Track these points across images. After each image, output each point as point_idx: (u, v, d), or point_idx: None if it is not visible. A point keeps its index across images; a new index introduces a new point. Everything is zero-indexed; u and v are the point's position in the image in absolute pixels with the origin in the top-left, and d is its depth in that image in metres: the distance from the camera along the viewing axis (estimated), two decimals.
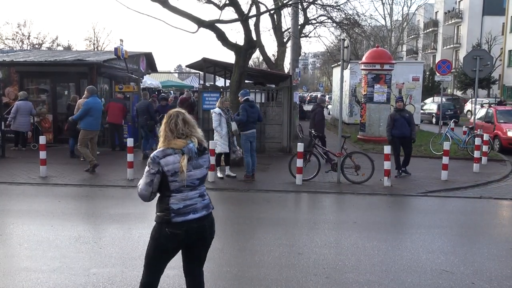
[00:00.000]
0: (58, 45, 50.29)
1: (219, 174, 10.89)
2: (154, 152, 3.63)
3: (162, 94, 25.26)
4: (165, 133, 3.64)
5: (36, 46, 46.20)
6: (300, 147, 10.40)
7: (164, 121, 3.71)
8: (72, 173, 11.07)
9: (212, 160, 10.49)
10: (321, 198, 9.75)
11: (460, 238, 7.10)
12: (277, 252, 6.09)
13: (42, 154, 10.75)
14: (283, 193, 9.80)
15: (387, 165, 10.21)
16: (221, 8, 12.81)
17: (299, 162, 10.36)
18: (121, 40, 15.38)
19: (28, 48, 42.78)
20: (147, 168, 3.61)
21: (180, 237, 3.64)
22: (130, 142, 10.86)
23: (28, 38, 46.83)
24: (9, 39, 45.40)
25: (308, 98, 59.63)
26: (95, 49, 48.01)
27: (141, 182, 3.65)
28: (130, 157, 10.60)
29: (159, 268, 3.87)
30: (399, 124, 11.19)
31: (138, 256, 5.81)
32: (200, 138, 3.72)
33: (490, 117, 17.59)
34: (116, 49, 15.04)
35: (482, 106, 19.78)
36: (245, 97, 10.68)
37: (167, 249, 3.72)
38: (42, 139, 10.98)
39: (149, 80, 26.29)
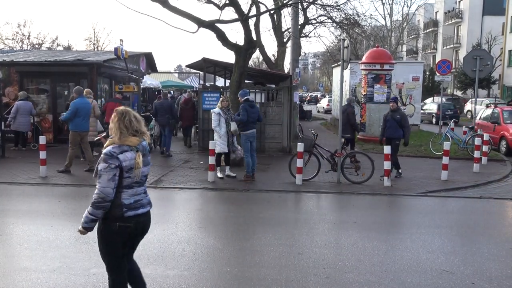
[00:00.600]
0: (58, 45, 50.30)
1: (219, 174, 10.89)
2: (109, 148, 3.71)
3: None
4: (120, 130, 3.74)
5: (36, 46, 46.20)
6: (300, 147, 10.40)
7: (116, 118, 3.79)
8: (72, 173, 11.07)
9: (212, 160, 10.50)
10: (321, 198, 9.76)
11: (460, 238, 7.09)
12: (277, 252, 6.09)
13: (42, 154, 10.75)
14: (283, 193, 9.79)
15: (387, 165, 10.21)
16: (221, 8, 12.81)
17: (299, 162, 10.36)
18: (121, 40, 15.37)
19: (28, 48, 42.79)
20: (104, 164, 3.66)
21: (131, 230, 3.81)
22: None
23: (28, 38, 46.86)
24: (9, 39, 45.46)
25: (308, 98, 59.77)
26: (95, 49, 48.03)
27: (102, 180, 3.66)
28: None
29: (121, 265, 3.97)
30: (388, 125, 11.22)
31: (138, 256, 5.79)
32: (148, 136, 3.91)
33: (496, 117, 17.08)
34: (116, 49, 15.03)
35: (487, 106, 19.24)
36: (245, 97, 10.69)
37: (120, 243, 3.84)
38: (42, 139, 10.98)
39: (149, 80, 26.21)
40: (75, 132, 11.03)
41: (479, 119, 18.09)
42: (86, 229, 3.78)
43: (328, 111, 37.32)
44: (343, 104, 13.10)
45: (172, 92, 32.52)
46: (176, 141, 17.66)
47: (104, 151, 3.73)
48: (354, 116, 13.55)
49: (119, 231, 3.76)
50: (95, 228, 3.87)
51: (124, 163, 3.66)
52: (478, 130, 15.54)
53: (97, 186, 3.68)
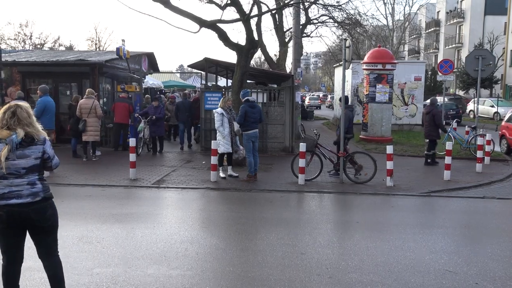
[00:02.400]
0: (60, 45, 50.41)
1: (221, 174, 10.89)
2: None
3: (165, 93, 25.35)
4: None
5: (38, 46, 46.29)
6: (302, 147, 10.40)
7: None
8: (75, 173, 11.08)
9: (215, 160, 10.50)
10: (323, 198, 9.74)
11: (463, 238, 7.08)
12: (280, 252, 6.08)
13: None
14: (285, 193, 9.79)
15: (389, 165, 10.20)
16: (222, 8, 12.81)
17: (302, 162, 10.35)
18: (123, 40, 15.38)
19: (30, 48, 42.84)
20: None
21: (2, 218, 3.88)
22: (132, 142, 10.87)
23: (30, 38, 46.99)
24: (11, 39, 45.58)
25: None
26: (97, 49, 48.07)
27: None
28: (132, 157, 10.61)
29: (5, 252, 4.10)
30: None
31: (141, 256, 5.81)
32: (31, 131, 3.96)
33: None
34: (118, 49, 15.04)
35: None
36: (245, 98, 10.67)
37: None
38: None
39: (151, 80, 26.25)
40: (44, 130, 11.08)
41: (506, 121, 16.43)
42: None
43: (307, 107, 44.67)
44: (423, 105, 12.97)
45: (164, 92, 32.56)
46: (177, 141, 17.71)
47: None
48: (441, 117, 13.06)
49: None
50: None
51: None
52: (481, 129, 15.41)
53: None
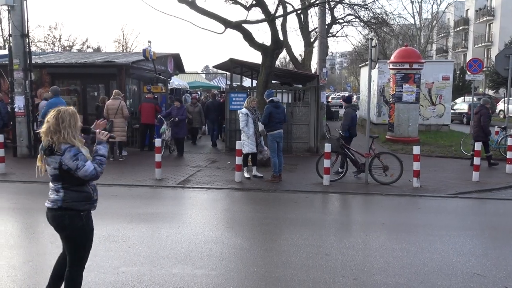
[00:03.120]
0: (88, 47, 51.42)
1: (246, 174, 10.91)
2: None
3: (191, 93, 25.57)
4: None
5: (67, 48, 47.23)
6: (327, 147, 10.34)
7: None
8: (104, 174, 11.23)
9: (239, 160, 10.53)
10: (348, 199, 9.67)
11: (492, 240, 6.93)
12: (304, 252, 6.06)
13: None
14: (310, 194, 9.75)
15: (416, 165, 10.05)
16: (247, 8, 12.84)
17: (326, 163, 10.29)
18: (149, 42, 15.56)
19: (59, 50, 43.72)
20: None
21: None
22: (158, 142, 10.98)
23: (59, 41, 48.01)
24: (41, 41, 46.66)
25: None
26: (124, 51, 48.75)
27: None
28: (158, 157, 10.72)
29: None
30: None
31: (167, 255, 5.86)
32: (52, 140, 3.92)
33: None
34: (144, 50, 15.22)
35: None
36: (270, 98, 10.67)
37: None
38: None
39: (177, 81, 26.49)
40: None
41: None
42: None
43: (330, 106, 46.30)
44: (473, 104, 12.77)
45: (199, 92, 32.79)
46: (205, 140, 17.84)
47: None
48: (487, 119, 12.67)
49: None
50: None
51: None
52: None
53: None
